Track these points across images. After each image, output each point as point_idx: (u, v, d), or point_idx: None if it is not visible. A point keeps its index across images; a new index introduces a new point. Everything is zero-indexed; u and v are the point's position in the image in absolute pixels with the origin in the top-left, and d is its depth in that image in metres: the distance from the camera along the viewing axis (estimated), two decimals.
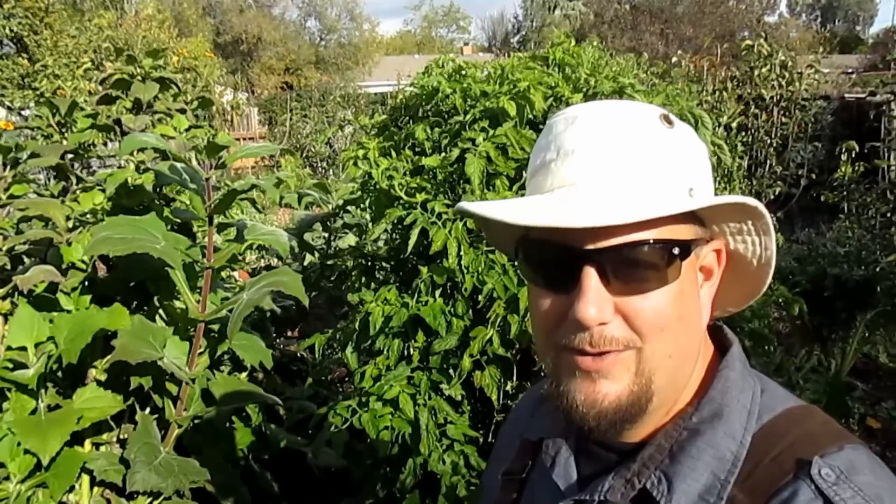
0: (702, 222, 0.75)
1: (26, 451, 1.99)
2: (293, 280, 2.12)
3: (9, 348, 2.05)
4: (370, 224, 2.32)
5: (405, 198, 1.84)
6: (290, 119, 16.00)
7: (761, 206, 0.73)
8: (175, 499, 2.19)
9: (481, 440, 1.98)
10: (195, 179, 2.34)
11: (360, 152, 1.93)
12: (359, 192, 3.03)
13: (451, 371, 1.89)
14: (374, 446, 1.96)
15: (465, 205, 0.74)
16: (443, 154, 1.91)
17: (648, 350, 0.70)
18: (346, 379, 3.62)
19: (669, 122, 0.74)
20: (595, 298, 0.69)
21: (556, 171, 0.73)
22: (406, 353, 1.91)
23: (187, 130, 2.65)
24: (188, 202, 2.85)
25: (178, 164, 2.37)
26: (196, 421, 2.37)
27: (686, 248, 0.72)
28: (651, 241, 0.69)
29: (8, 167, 2.03)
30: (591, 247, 0.69)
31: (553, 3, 39.96)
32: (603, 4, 21.69)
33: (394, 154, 1.90)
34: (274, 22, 32.82)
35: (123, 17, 21.14)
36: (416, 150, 1.98)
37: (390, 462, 1.99)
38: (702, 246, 0.75)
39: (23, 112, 11.62)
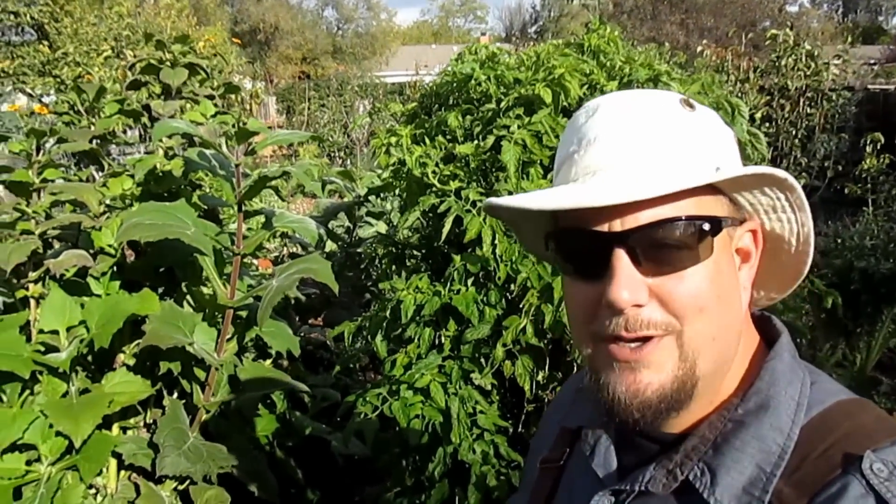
0: (733, 202, 0.74)
1: (58, 434, 2.01)
2: (323, 267, 2.11)
3: (41, 332, 2.06)
4: (398, 212, 2.30)
5: (438, 185, 1.82)
6: (308, 108, 16.00)
7: (791, 178, 0.71)
8: (202, 484, 2.20)
9: (511, 430, 1.97)
10: (224, 166, 2.34)
11: (393, 139, 1.92)
12: (385, 181, 3.03)
13: (482, 360, 1.87)
14: (402, 435, 1.96)
15: (492, 200, 0.74)
16: (476, 141, 1.89)
17: (689, 332, 0.68)
18: (369, 368, 3.63)
19: (691, 106, 0.74)
20: (627, 281, 0.68)
21: (580, 160, 0.72)
22: (437, 341, 1.90)
23: (213, 117, 2.64)
24: (212, 188, 2.85)
25: (207, 151, 2.37)
26: (223, 407, 2.38)
27: (717, 223, 0.70)
28: (680, 218, 0.68)
29: (41, 151, 2.03)
30: (619, 229, 0.68)
31: None
32: None
33: (427, 141, 1.89)
34: (291, 11, 32.83)
35: (143, 4, 21.22)
36: (448, 137, 1.96)
37: (419, 451, 1.98)
38: (735, 226, 0.73)
39: (43, 99, 11.68)
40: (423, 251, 2.06)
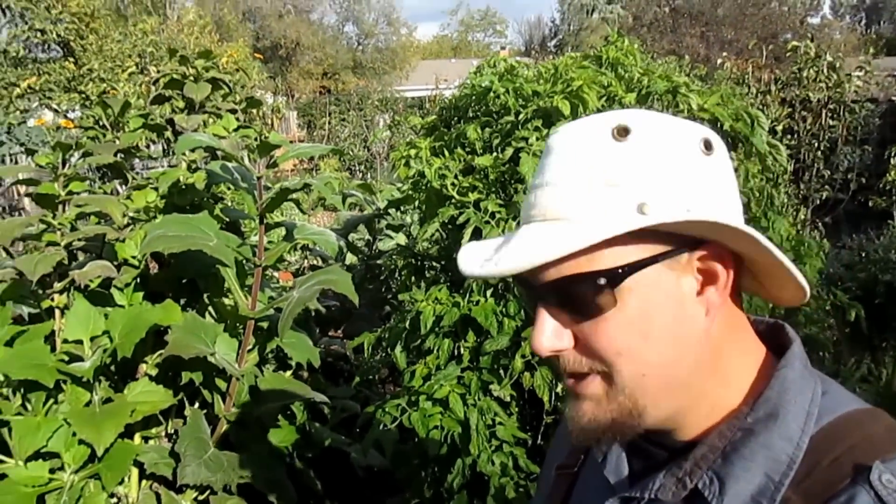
0: (673, 232, 0.70)
1: (81, 442, 2.03)
2: (343, 279, 2.13)
3: (65, 341, 2.09)
4: (418, 224, 2.31)
5: (457, 197, 1.84)
6: (329, 123, 16.14)
7: (728, 221, 0.67)
8: (222, 494, 2.21)
9: (530, 442, 1.96)
10: (246, 178, 2.37)
11: (412, 151, 1.93)
12: (405, 193, 3.04)
13: (501, 372, 1.88)
14: (422, 445, 1.96)
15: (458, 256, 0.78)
16: (495, 154, 1.90)
17: (615, 372, 0.71)
18: (388, 380, 3.63)
19: (624, 134, 0.70)
20: (545, 329, 0.72)
21: (526, 204, 0.76)
22: (456, 352, 1.90)
23: (236, 130, 2.68)
24: (233, 201, 2.89)
25: (230, 164, 2.40)
26: (243, 417, 2.39)
27: (615, 276, 0.69)
28: (578, 275, 0.69)
29: (67, 164, 2.07)
30: (537, 283, 0.72)
31: (591, 6, 39.74)
32: (642, 7, 21.45)
33: (446, 153, 1.90)
34: (312, 27, 33.16)
35: (166, 22, 21.58)
36: (467, 149, 1.97)
37: (438, 462, 1.98)
38: (675, 257, 0.70)
39: (68, 115, 11.88)
40: (443, 262, 2.07)
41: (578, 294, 0.70)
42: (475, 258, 0.74)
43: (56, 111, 12.67)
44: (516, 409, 2.02)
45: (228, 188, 2.67)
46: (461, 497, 1.99)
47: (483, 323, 1.80)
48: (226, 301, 2.41)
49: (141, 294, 2.31)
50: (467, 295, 1.81)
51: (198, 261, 2.31)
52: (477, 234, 1.77)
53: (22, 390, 2.08)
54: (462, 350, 1.89)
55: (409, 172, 1.97)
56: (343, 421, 2.99)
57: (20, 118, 7.87)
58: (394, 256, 2.44)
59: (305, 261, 4.27)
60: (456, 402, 1.84)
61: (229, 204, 2.61)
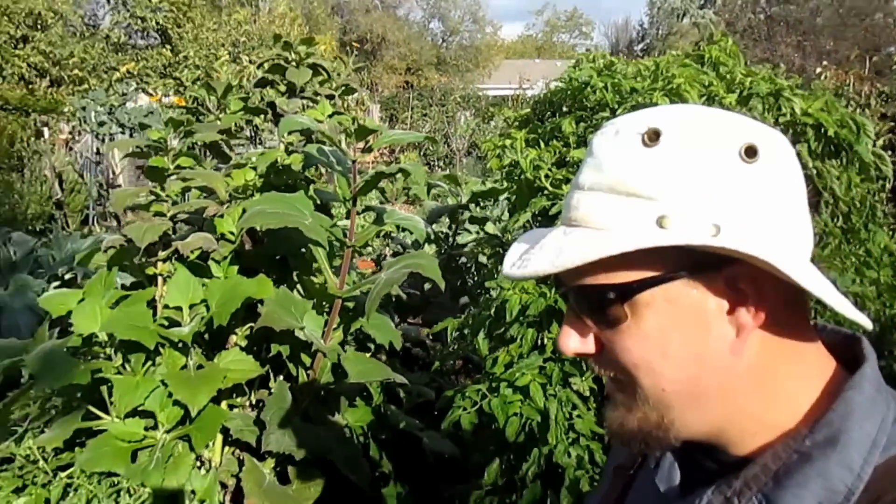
0: (693, 251, 0.65)
1: (174, 404, 2.14)
2: (430, 263, 2.17)
3: (166, 307, 2.21)
4: (508, 214, 2.33)
5: (550, 188, 1.85)
6: (411, 117, 16.34)
7: (752, 248, 0.62)
8: (301, 464, 2.29)
9: (606, 438, 1.96)
10: (341, 162, 2.44)
11: (508, 142, 1.96)
12: (492, 187, 3.07)
13: (582, 365, 1.88)
14: (498, 433, 1.98)
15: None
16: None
17: (636, 384, 0.69)
18: (462, 372, 3.66)
19: (652, 139, 0.66)
20: (569, 331, 0.71)
21: (564, 202, 0.75)
22: (539, 342, 1.92)
23: (330, 116, 2.76)
24: (325, 185, 2.97)
25: (326, 147, 2.48)
26: (324, 393, 2.47)
27: (625, 291, 0.66)
28: (592, 286, 0.68)
29: (178, 140, 2.18)
30: (565, 286, 0.71)
31: (682, 10, 38.84)
32: (736, 13, 20.85)
33: (541, 145, 1.91)
34: (398, 23, 33.57)
35: (258, 13, 22.25)
36: (561, 143, 1.98)
37: (514, 450, 2.00)
38: (697, 275, 0.66)
39: (163, 99, 12.32)
40: None
41: (595, 304, 0.69)
42: (511, 258, 0.75)
43: (152, 95, 13.22)
44: (594, 405, 2.02)
45: (319, 172, 2.76)
46: (535, 487, 2.00)
47: None
48: (314, 280, 2.50)
49: (235, 268, 2.41)
50: (554, 286, 1.82)
51: (290, 239, 2.40)
52: None
53: (123, 351, 2.21)
54: (545, 340, 1.90)
55: (503, 163, 1.99)
56: (416, 406, 3.04)
57: (120, 100, 8.26)
58: (480, 245, 2.46)
59: (387, 248, 4.35)
60: (536, 392, 1.86)
61: (321, 187, 2.68)
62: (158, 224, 2.09)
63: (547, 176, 1.85)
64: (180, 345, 2.18)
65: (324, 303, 2.43)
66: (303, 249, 2.43)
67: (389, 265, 2.23)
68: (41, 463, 2.49)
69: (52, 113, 7.64)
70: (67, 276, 5.25)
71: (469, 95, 17.60)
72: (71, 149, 10.45)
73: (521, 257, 0.72)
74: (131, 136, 8.05)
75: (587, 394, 1.96)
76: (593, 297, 0.68)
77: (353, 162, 2.27)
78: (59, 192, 8.53)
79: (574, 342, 0.71)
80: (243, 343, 2.45)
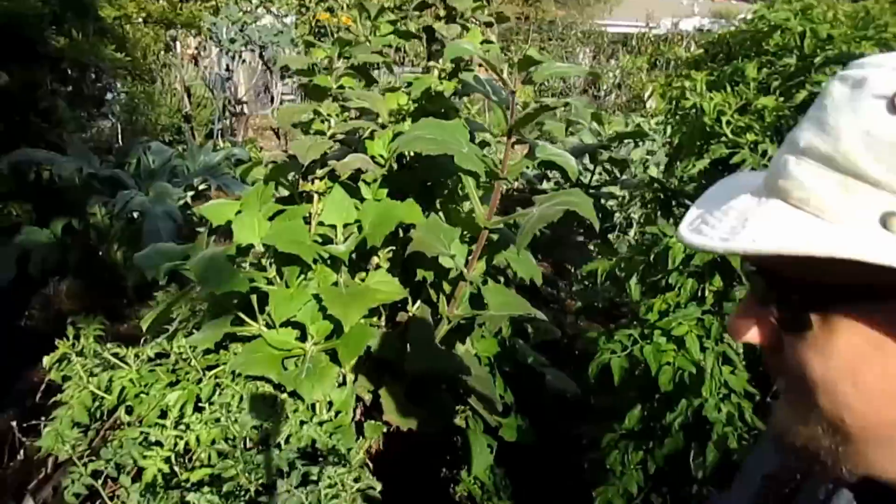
0: None
1: (325, 318, 2.22)
2: (584, 202, 2.12)
3: (320, 224, 2.26)
4: (670, 159, 2.25)
5: (730, 136, 1.76)
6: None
7: None
8: (434, 388, 2.35)
9: (758, 398, 1.90)
10: (496, 92, 2.40)
11: (688, 83, 1.86)
12: (635, 128, 2.96)
13: None
14: (642, 380, 1.96)
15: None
16: (775, 95, 1.79)
17: (812, 402, 0.57)
18: (581, 313, 3.64)
19: None
20: (745, 314, 0.60)
21: (773, 161, 0.59)
22: (700, 294, 1.86)
23: (481, 44, 2.70)
24: (472, 115, 2.94)
25: (482, 76, 2.44)
26: (462, 322, 2.50)
27: (815, 297, 0.53)
28: (773, 275, 0.56)
29: (340, 59, 2.19)
30: (748, 263, 0.60)
31: None
32: None
33: (727, 88, 1.81)
34: None
35: None
36: (745, 88, 1.87)
37: (659, 399, 1.98)
38: None
39: (285, 19, 12.43)
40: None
41: (778, 299, 0.57)
42: (690, 216, 0.61)
43: (276, 15, 13.41)
44: (742, 364, 1.96)
45: (465, 103, 2.72)
46: (678, 437, 1.98)
47: (737, 266, 1.74)
48: (458, 209, 2.50)
49: (385, 191, 2.44)
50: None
51: (441, 166, 2.40)
52: None
53: (277, 263, 2.29)
54: (706, 292, 1.84)
55: (686, 105, 1.90)
56: (544, 343, 3.05)
57: (252, 18, 8.42)
58: (637, 189, 2.39)
59: (516, 182, 4.30)
60: (693, 343, 1.81)
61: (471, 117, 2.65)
62: (321, 142, 2.12)
63: (728, 122, 1.76)
64: (330, 262, 2.24)
65: (465, 233, 2.43)
66: (453, 177, 2.42)
67: (542, 200, 2.20)
68: (192, 362, 2.66)
69: (191, 27, 7.90)
70: (201, 187, 5.50)
71: (589, 31, 16.99)
72: (196, 63, 10.80)
73: (701, 219, 0.59)
74: (260, 54, 8.23)
75: (741, 351, 1.90)
76: (779, 290, 0.56)
77: (513, 93, 2.22)
78: (188, 106, 8.86)
79: (747, 330, 0.60)
80: (385, 265, 2.49)
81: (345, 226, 2.25)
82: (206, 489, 2.17)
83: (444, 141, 2.15)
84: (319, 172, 2.24)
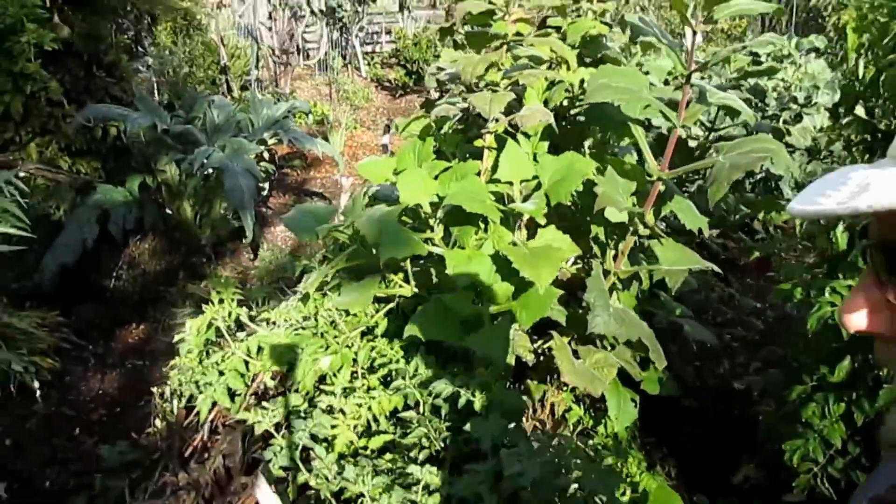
0: None
1: (503, 279, 2.14)
2: (778, 148, 2.03)
3: (494, 181, 2.16)
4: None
5: None
6: None
7: None
8: (621, 347, 2.29)
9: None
10: (664, 35, 2.27)
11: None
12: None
13: None
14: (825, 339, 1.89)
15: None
16: None
17: None
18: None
19: None
20: (860, 299, 0.55)
21: None
22: None
23: None
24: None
25: (647, 18, 2.31)
26: (629, 276, 2.43)
27: None
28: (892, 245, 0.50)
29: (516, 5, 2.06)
30: (869, 241, 0.54)
31: None
32: None
33: None
34: None
35: None
36: None
37: (865, 351, 1.92)
38: None
39: None
40: None
41: None
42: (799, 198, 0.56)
43: None
44: None
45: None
46: (893, 389, 1.93)
47: None
48: (623, 160, 2.40)
49: (546, 144, 2.33)
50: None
51: (607, 117, 2.29)
52: None
53: (447, 223, 2.21)
54: None
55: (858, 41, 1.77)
56: (683, 294, 2.98)
57: None
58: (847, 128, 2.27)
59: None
60: None
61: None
62: (503, 94, 2.01)
63: None
64: (509, 219, 2.15)
65: (636, 184, 2.34)
66: (620, 127, 2.31)
67: (730, 148, 2.09)
68: (341, 325, 2.60)
69: None
70: (271, 141, 5.38)
71: None
72: (220, 8, 10.49)
73: (815, 193, 0.54)
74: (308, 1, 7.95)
75: None
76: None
77: (695, 34, 2.09)
78: (224, 57, 8.63)
79: (860, 318, 0.55)
80: (542, 221, 2.41)
81: (522, 182, 2.16)
82: (387, 455, 2.14)
83: (629, 89, 2.04)
84: (494, 127, 2.13)
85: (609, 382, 2.39)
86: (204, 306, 2.59)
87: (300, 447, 1.97)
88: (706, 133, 3.19)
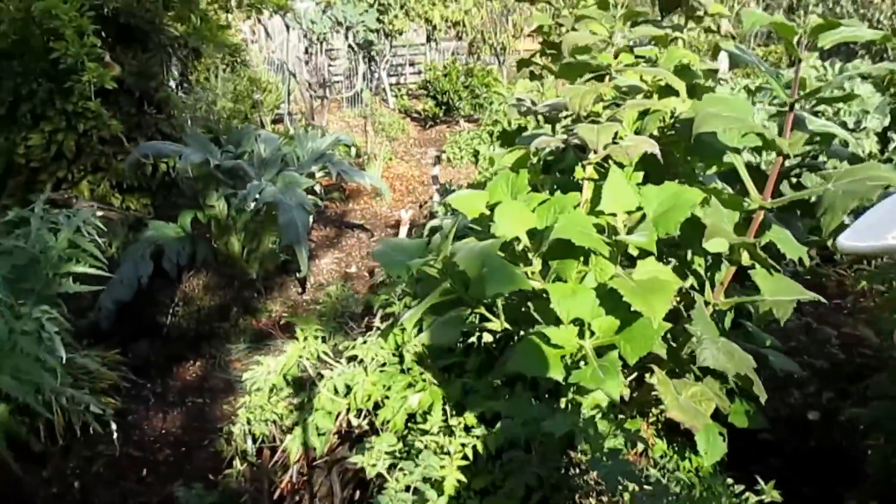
0: None
1: (608, 314, 2.09)
2: (893, 176, 1.97)
3: (598, 213, 2.12)
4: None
5: None
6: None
7: None
8: (708, 381, 2.23)
9: None
10: (760, 62, 2.24)
11: None
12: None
13: None
14: None
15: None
16: None
17: None
18: None
19: None
20: None
21: None
22: None
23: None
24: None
25: (741, 45, 2.28)
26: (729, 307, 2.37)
27: None
28: None
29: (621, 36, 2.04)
30: None
31: None
32: None
33: None
34: None
35: None
36: None
37: None
38: None
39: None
40: None
41: None
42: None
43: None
44: None
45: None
46: None
47: None
48: (718, 188, 2.35)
49: (641, 174, 2.30)
50: None
51: (706, 144, 2.25)
52: None
53: (545, 257, 2.17)
54: None
55: None
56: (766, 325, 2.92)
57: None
58: None
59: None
60: None
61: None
62: (610, 125, 1.98)
63: None
64: (611, 253, 2.11)
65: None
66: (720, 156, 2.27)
67: (841, 175, 2.05)
68: (428, 361, 2.55)
69: (281, 10, 7.71)
70: (320, 174, 5.38)
71: None
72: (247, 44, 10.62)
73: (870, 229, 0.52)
74: (346, 34, 8.03)
75: None
76: None
77: (799, 61, 2.06)
78: (257, 91, 8.71)
79: None
80: (635, 252, 2.36)
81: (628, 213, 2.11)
82: (490, 498, 2.08)
83: (736, 118, 2.01)
84: (594, 158, 2.10)
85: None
86: (291, 344, 2.56)
87: (412, 489, 1.92)
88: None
